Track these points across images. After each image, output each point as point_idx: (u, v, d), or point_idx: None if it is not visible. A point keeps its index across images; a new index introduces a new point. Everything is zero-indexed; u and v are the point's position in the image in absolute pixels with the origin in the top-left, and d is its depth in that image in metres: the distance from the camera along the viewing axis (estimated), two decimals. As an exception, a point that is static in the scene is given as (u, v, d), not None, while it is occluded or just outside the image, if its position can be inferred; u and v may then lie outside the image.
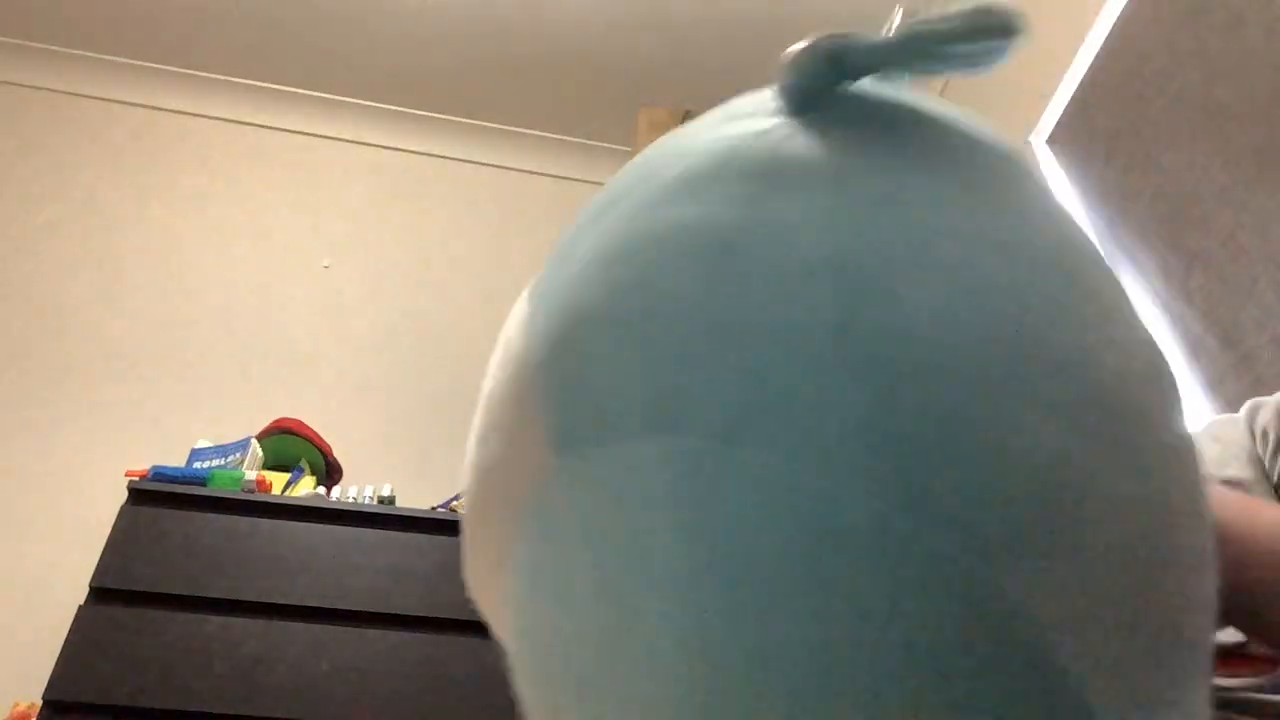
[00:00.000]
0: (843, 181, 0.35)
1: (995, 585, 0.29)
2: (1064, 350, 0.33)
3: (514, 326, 0.41)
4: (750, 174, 0.36)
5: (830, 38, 0.37)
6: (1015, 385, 0.31)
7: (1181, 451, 0.36)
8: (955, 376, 0.31)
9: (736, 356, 0.32)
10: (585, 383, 0.35)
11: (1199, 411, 1.50)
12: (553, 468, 0.35)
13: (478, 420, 0.41)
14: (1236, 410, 0.77)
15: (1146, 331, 0.39)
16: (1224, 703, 0.58)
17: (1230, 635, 0.61)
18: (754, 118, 0.40)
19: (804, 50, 0.37)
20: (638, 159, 0.44)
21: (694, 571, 0.31)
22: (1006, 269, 0.34)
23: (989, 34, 0.35)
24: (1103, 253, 0.42)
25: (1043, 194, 0.41)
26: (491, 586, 0.40)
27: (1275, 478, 0.67)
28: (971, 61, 0.36)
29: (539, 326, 0.38)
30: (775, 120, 0.39)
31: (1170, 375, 0.38)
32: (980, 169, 0.38)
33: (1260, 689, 0.58)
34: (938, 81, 2.50)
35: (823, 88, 0.38)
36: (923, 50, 0.36)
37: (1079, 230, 0.41)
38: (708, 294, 0.33)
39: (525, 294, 0.42)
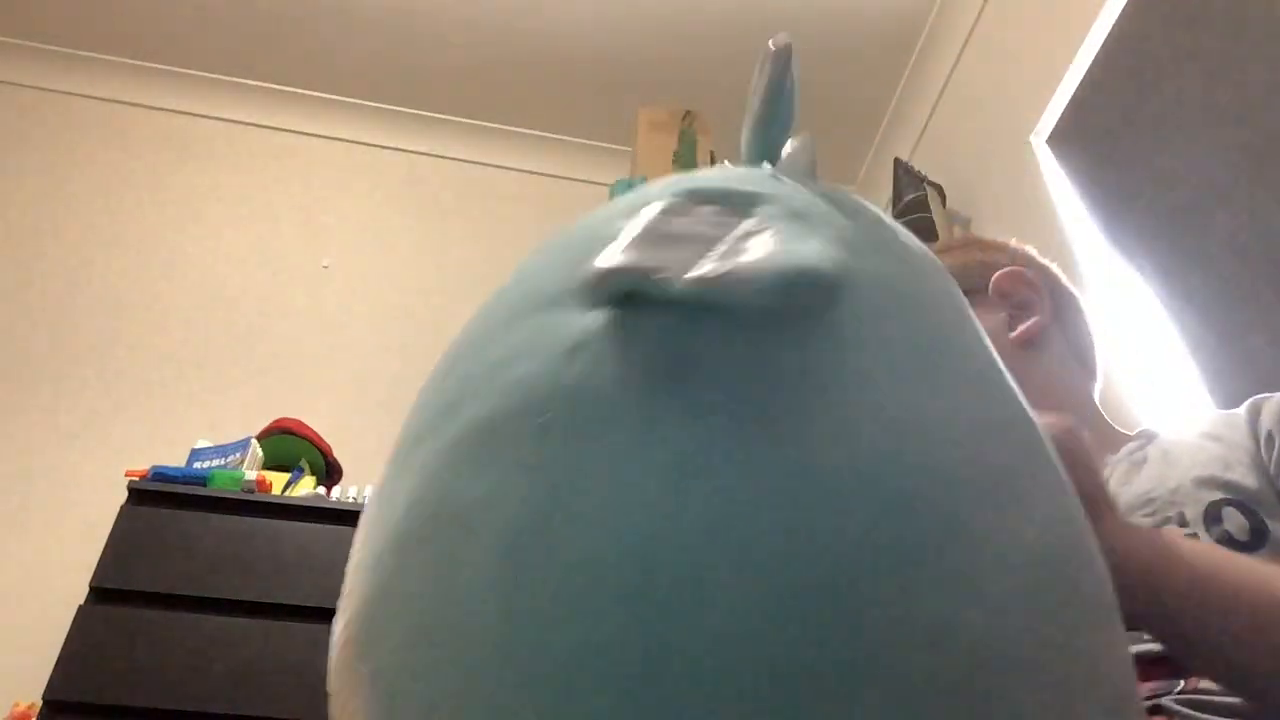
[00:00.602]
0: (649, 436, 0.32)
1: None
2: (906, 634, 0.29)
3: (352, 560, 0.39)
4: (550, 428, 0.33)
5: (626, 272, 0.34)
6: (848, 698, 0.28)
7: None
8: (765, 691, 0.28)
9: (528, 691, 0.29)
10: (386, 697, 0.33)
11: (1199, 411, 1.50)
12: None
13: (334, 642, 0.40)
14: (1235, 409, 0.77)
15: (1055, 534, 0.35)
16: (1199, 705, 0.59)
17: None
18: (563, 311, 0.37)
19: (604, 275, 0.35)
20: (448, 360, 0.41)
21: None
22: (835, 539, 0.30)
23: (792, 308, 0.33)
24: (1016, 398, 0.39)
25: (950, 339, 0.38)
26: None
27: (1278, 482, 0.67)
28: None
29: (353, 605, 0.36)
30: (583, 323, 0.35)
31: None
32: (825, 358, 0.34)
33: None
34: (940, 78, 2.50)
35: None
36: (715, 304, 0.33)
37: (983, 375, 0.37)
38: (498, 608, 0.30)
39: (366, 510, 0.41)
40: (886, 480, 0.31)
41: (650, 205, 0.38)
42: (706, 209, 0.38)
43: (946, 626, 0.30)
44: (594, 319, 0.35)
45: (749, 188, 0.41)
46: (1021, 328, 0.84)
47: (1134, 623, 0.55)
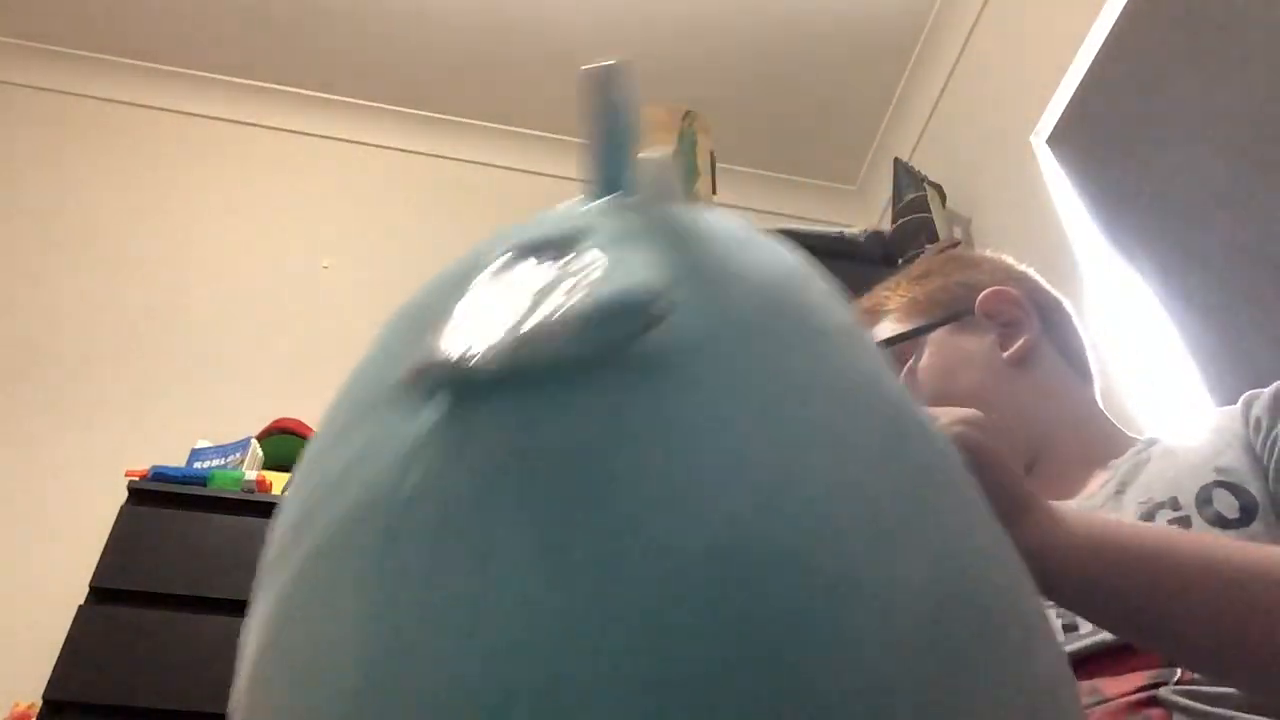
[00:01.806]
0: (490, 546, 0.29)
1: None
2: (787, 710, 0.27)
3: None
4: (393, 546, 0.31)
5: (434, 367, 0.32)
6: None
7: None
8: None
9: None
10: None
11: (1199, 411, 1.50)
12: None
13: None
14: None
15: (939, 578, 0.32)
16: (1193, 695, 0.59)
17: None
18: (402, 407, 0.34)
19: (415, 376, 0.33)
20: (306, 461, 0.41)
21: None
22: (697, 624, 0.27)
23: (613, 345, 0.31)
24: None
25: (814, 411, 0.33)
26: None
27: (1264, 460, 0.69)
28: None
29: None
30: (420, 423, 0.33)
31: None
32: (673, 413, 0.31)
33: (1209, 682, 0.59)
34: (940, 78, 2.51)
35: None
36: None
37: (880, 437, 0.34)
38: None
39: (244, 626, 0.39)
40: (751, 546, 0.28)
41: (479, 275, 0.37)
42: (529, 262, 0.36)
43: (833, 699, 0.27)
44: (430, 417, 0.32)
45: (567, 227, 0.39)
46: (1014, 347, 0.86)
47: (1075, 612, 0.55)
